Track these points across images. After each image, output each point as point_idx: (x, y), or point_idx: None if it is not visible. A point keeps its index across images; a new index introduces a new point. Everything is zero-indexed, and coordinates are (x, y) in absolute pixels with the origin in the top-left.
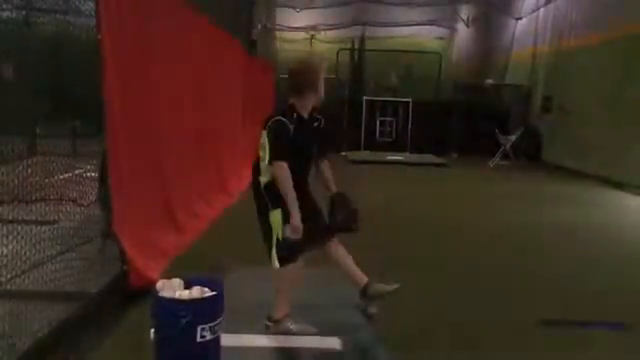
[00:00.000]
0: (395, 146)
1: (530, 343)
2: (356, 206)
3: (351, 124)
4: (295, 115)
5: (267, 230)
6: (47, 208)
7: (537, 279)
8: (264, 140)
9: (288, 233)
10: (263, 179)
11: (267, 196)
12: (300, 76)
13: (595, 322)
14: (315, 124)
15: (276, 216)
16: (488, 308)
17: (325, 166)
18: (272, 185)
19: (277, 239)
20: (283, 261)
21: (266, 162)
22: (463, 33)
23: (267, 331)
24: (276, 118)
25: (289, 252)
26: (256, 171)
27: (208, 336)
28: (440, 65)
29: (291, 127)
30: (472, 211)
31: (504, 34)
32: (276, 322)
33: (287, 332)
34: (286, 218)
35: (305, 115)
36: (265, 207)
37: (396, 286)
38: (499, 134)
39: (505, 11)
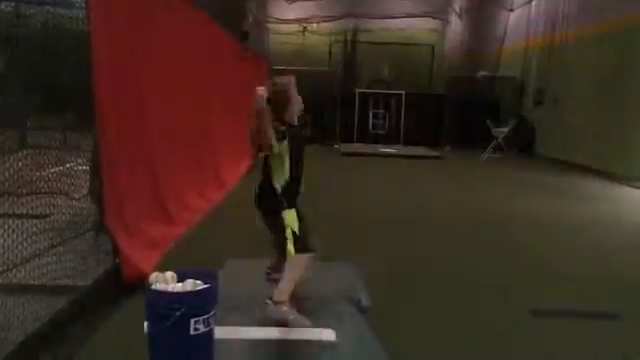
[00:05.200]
0: (388, 139)
1: (519, 334)
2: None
3: (344, 117)
4: (287, 126)
5: (280, 227)
6: (38, 202)
7: (526, 270)
8: (279, 149)
9: None
10: (277, 185)
11: (283, 198)
12: (277, 97)
13: (587, 312)
14: (305, 129)
15: (292, 214)
16: (481, 299)
17: None
18: (286, 188)
19: (294, 233)
20: (301, 251)
21: (285, 169)
22: (456, 25)
23: (265, 308)
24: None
25: (306, 243)
26: (268, 177)
27: (202, 329)
28: (433, 57)
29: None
30: (464, 203)
31: (497, 26)
32: (276, 303)
33: (283, 317)
34: (299, 215)
35: (295, 123)
36: (279, 207)
37: None
38: (492, 126)
39: (498, 3)
